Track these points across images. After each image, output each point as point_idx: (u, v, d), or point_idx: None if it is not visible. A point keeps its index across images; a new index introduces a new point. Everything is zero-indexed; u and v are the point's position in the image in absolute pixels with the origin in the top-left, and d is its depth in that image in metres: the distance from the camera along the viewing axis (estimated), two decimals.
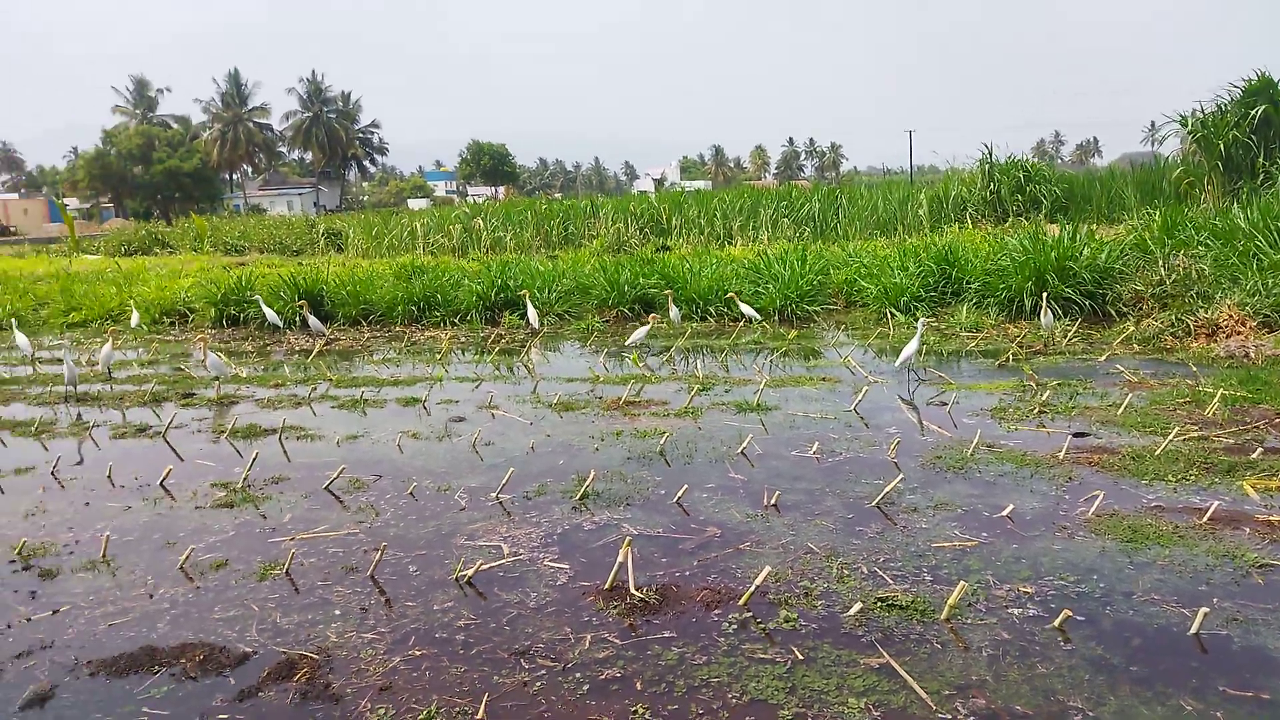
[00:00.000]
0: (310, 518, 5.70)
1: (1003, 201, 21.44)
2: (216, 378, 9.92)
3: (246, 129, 76.69)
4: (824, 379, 9.16)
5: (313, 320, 13.19)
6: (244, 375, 10.71)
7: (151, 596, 4.64)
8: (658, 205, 26.01)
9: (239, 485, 6.34)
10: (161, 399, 9.56)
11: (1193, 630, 3.79)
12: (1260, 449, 6.13)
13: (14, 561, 5.17)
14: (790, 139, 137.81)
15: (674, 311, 12.64)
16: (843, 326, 12.70)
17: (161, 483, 6.50)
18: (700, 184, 79.01)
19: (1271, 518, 4.98)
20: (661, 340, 12.20)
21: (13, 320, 13.39)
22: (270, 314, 13.90)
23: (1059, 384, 8.39)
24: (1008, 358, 9.74)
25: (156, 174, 69.25)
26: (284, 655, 3.95)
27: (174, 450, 7.51)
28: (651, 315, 11.96)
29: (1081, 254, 11.75)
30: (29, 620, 4.42)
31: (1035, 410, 7.52)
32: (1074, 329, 10.85)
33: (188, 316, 15.71)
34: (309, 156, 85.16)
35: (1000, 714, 3.31)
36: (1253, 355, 9.01)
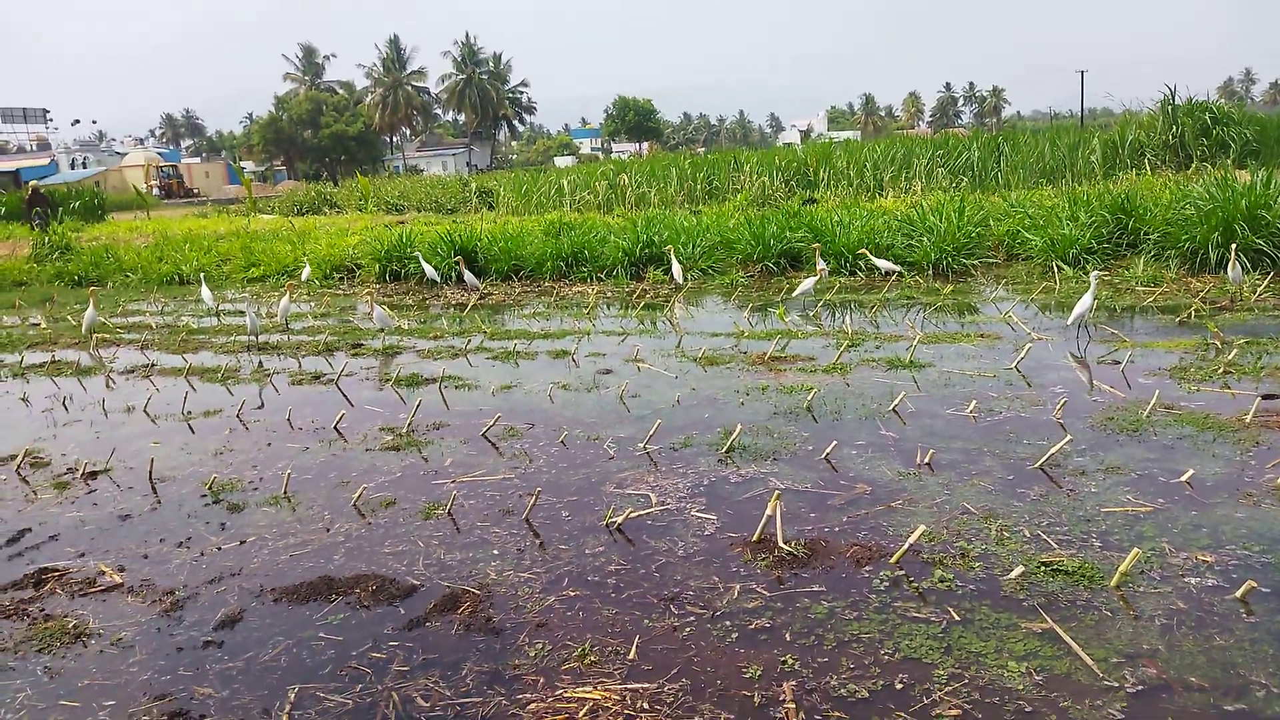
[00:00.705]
0: (469, 462, 5.97)
1: (1186, 146, 19.77)
2: (381, 330, 10.47)
3: (405, 93, 79.84)
4: (982, 335, 8.77)
5: (468, 275, 13.68)
6: (406, 328, 11.25)
7: (328, 530, 4.99)
8: (804, 157, 25.40)
9: (404, 430, 6.71)
10: (333, 349, 10.19)
11: None
12: None
13: (205, 496, 5.66)
14: (947, 84, 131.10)
15: (821, 265, 12.35)
16: (1003, 281, 12.09)
17: (335, 426, 6.95)
18: (849, 134, 76.48)
19: None
20: (807, 295, 11.97)
21: (200, 276, 14.54)
22: (429, 269, 14.52)
23: (1246, 342, 7.72)
24: (1190, 314, 9.03)
25: (324, 138, 73.19)
26: (448, 589, 4.18)
27: (345, 396, 8.00)
28: (820, 268, 11.82)
29: (1275, 202, 10.68)
30: (219, 550, 4.85)
31: (1220, 370, 6.95)
32: (1265, 283, 9.92)
33: (354, 272, 16.60)
34: (462, 118, 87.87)
35: (1173, 685, 3.13)
36: None
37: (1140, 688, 3.13)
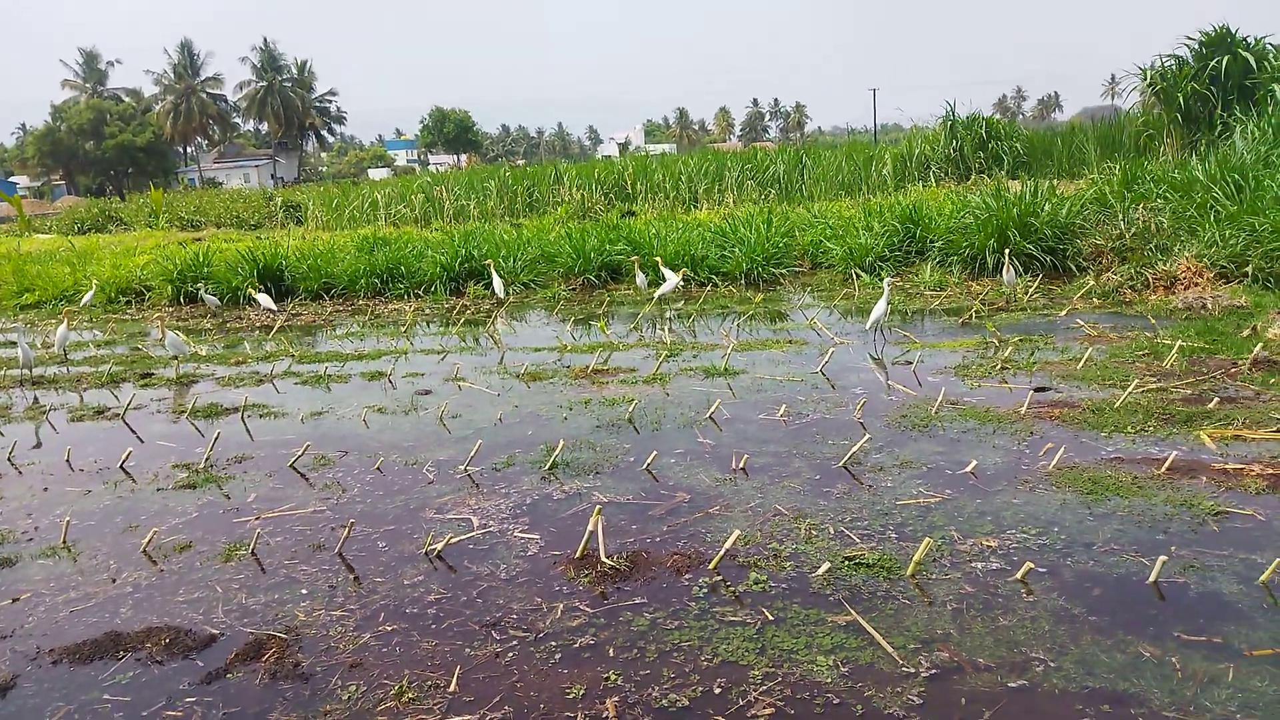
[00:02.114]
0: (275, 496, 5.64)
1: (965, 159, 21.52)
2: (175, 356, 9.74)
3: (200, 100, 75.07)
4: (791, 341, 9.18)
5: (262, 298, 12.95)
6: (203, 353, 10.53)
7: (114, 581, 4.58)
8: (622, 170, 25.81)
9: (201, 466, 6.26)
10: (119, 380, 9.39)
11: (1151, 579, 3.87)
12: (1216, 399, 6.25)
13: None
14: (754, 100, 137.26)
15: (640, 278, 12.58)
16: (809, 288, 12.73)
17: (122, 465, 6.40)
18: (665, 147, 78.43)
19: (1227, 466, 5.09)
20: (627, 307, 12.17)
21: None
22: (211, 300, 13.64)
23: (1021, 340, 8.49)
24: (971, 315, 9.82)
25: (108, 149, 67.55)
26: (252, 636, 3.92)
27: (134, 432, 7.39)
28: (682, 270, 12.31)
29: (1043, 210, 11.83)
30: None
31: (998, 367, 7.60)
32: (1035, 285, 10.96)
33: (144, 295, 15.40)
34: (264, 127, 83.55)
35: (965, 666, 3.37)
36: (1210, 306, 9.16)
37: (935, 671, 3.35)
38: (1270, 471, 4.96)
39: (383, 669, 3.61)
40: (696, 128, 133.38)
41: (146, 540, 4.94)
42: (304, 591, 4.32)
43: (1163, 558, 3.93)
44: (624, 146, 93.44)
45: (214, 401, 8.08)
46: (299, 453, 6.25)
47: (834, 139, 64.86)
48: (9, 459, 6.75)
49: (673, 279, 11.75)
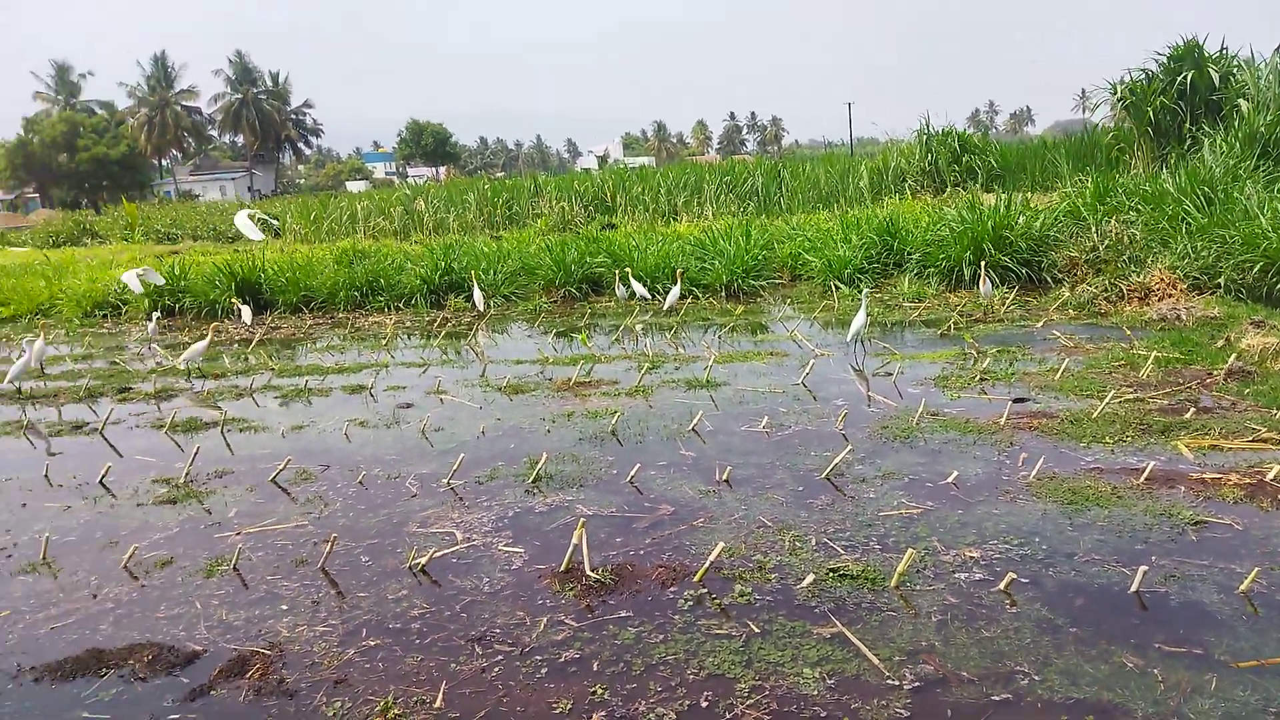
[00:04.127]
0: (257, 511, 5.60)
1: (940, 172, 21.75)
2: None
3: (174, 112, 74.58)
4: (772, 353, 9.23)
5: (245, 310, 12.91)
6: (182, 368, 10.44)
7: (95, 597, 4.52)
8: (602, 183, 25.88)
9: (181, 480, 6.20)
10: (97, 394, 9.29)
11: (1133, 588, 3.92)
12: (1193, 409, 6.34)
13: None
14: (731, 113, 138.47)
15: (621, 290, 12.62)
16: (789, 300, 12.80)
17: (101, 480, 6.33)
18: (643, 160, 78.66)
19: (1205, 476, 5.16)
20: (609, 319, 12.19)
21: None
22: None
23: (999, 351, 8.58)
24: (949, 327, 9.92)
25: (83, 162, 66.92)
26: (235, 652, 3.88)
27: (112, 447, 7.31)
28: (680, 271, 12.57)
29: (1017, 222, 11.98)
30: None
31: (976, 378, 7.68)
32: (1012, 296, 11.08)
33: (120, 308, 15.25)
34: (240, 140, 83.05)
35: (949, 678, 3.40)
36: (1184, 317, 9.30)
37: (920, 684, 3.38)
38: (1247, 481, 5.04)
39: (367, 685, 3.59)
40: (674, 141, 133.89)
41: (127, 556, 4.88)
42: (286, 607, 4.29)
43: (1143, 568, 3.98)
44: (603, 159, 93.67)
45: (193, 416, 8.01)
46: (280, 467, 6.20)
47: (811, 152, 65.29)
48: None
49: (675, 290, 11.96)
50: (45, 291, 16.25)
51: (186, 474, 6.28)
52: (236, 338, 12.49)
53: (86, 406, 8.81)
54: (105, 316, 15.05)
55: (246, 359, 10.81)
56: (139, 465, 6.72)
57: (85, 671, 3.81)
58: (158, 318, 12.42)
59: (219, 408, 8.26)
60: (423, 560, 4.63)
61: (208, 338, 10.08)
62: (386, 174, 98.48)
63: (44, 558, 5.02)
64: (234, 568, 4.74)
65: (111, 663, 3.86)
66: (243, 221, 9.20)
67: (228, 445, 7.12)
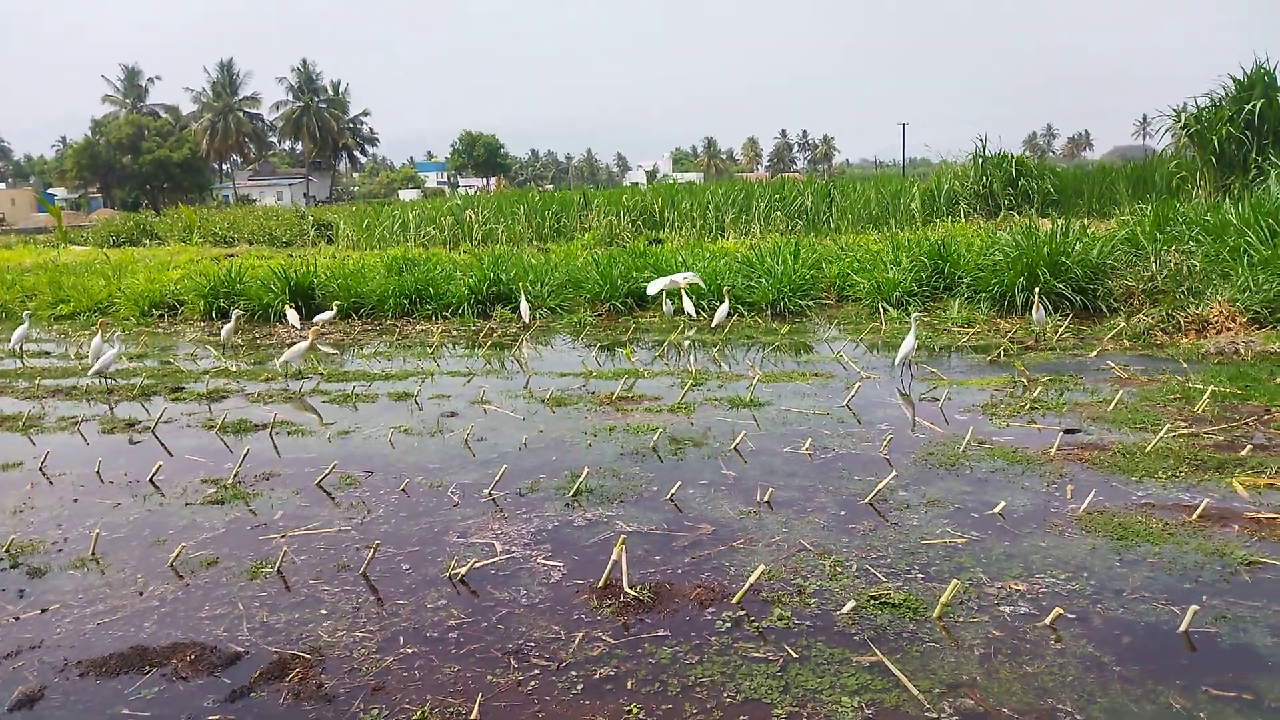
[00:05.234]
0: (301, 514, 5.68)
1: (995, 195, 21.50)
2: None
3: (237, 118, 76.45)
4: (817, 374, 9.16)
5: (290, 313, 13.17)
6: (234, 369, 10.65)
7: (141, 595, 4.62)
8: (650, 198, 25.96)
9: (229, 481, 6.32)
10: (151, 393, 9.51)
11: (1182, 628, 3.81)
12: (1249, 446, 6.16)
13: (2, 559, 5.13)
14: (783, 131, 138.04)
15: (668, 306, 12.64)
16: (835, 321, 12.70)
17: (151, 479, 6.47)
18: (692, 176, 78.85)
19: (1260, 515, 5.01)
20: (654, 335, 12.20)
21: (25, 314, 13.09)
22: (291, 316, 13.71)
23: (1050, 380, 8.42)
24: (999, 353, 9.76)
25: (145, 164, 68.91)
26: (276, 655, 3.94)
27: (163, 446, 7.48)
28: (727, 289, 12.62)
29: (1073, 249, 11.77)
30: (16, 620, 4.40)
31: (1026, 406, 7.54)
32: (1065, 324, 10.88)
33: (176, 309, 15.62)
34: (299, 147, 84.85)
35: (991, 714, 3.33)
36: (1242, 351, 9.05)
37: (958, 718, 3.31)
38: None
39: (405, 693, 3.61)
40: (724, 157, 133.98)
41: (174, 555, 4.98)
42: (327, 612, 4.34)
43: (1194, 607, 3.87)
44: (651, 174, 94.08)
45: (243, 418, 8.16)
46: (326, 472, 6.29)
47: (862, 172, 64.92)
48: (40, 469, 6.84)
49: (723, 307, 11.95)
50: (104, 290, 16.71)
51: (235, 475, 6.40)
52: (288, 341, 12.72)
53: (140, 405, 9.03)
54: (161, 316, 15.42)
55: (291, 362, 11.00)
56: (189, 465, 6.87)
57: (129, 668, 3.88)
58: (238, 316, 12.58)
59: (310, 409, 8.41)
60: (462, 570, 4.66)
61: (309, 339, 10.22)
62: (439, 183, 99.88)
63: (93, 553, 5.14)
64: (278, 570, 4.81)
65: (155, 661, 3.93)
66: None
67: (275, 448, 7.25)
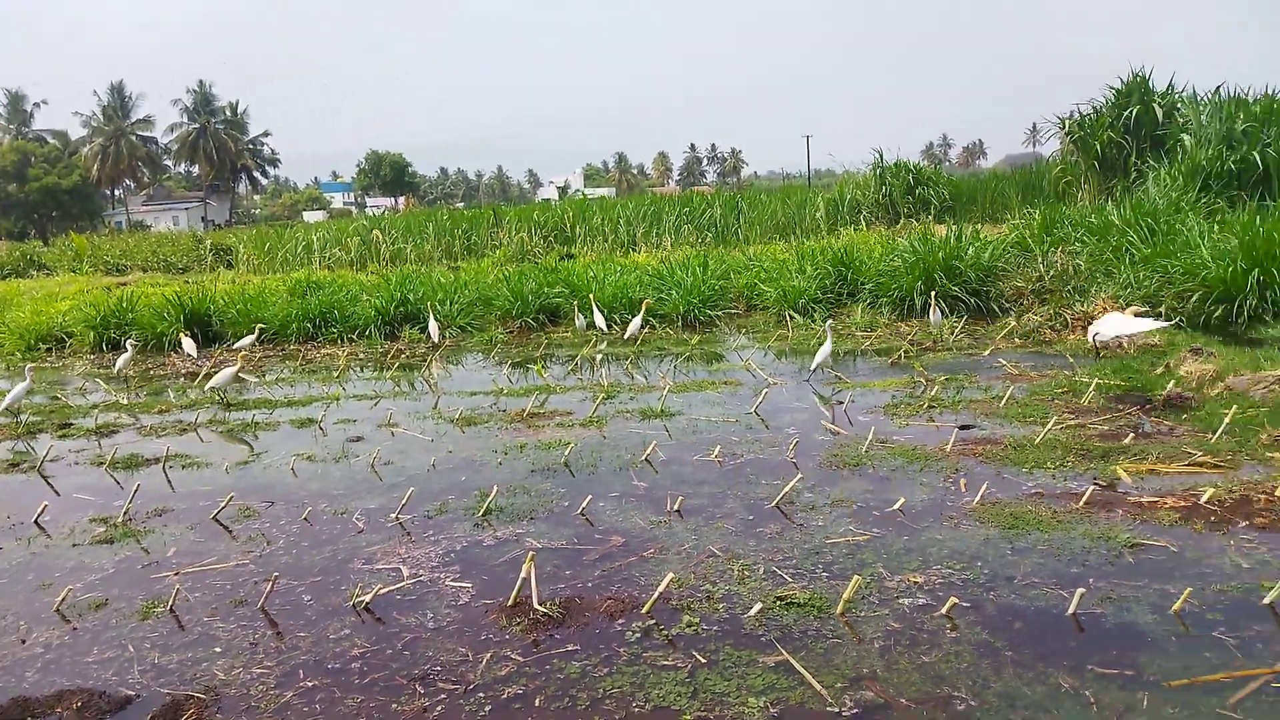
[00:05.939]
0: (196, 550, 5.47)
1: (894, 204, 22.13)
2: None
3: (129, 142, 73.53)
4: (726, 382, 9.28)
5: (186, 342, 12.75)
6: (125, 402, 10.22)
7: (24, 642, 4.38)
8: (561, 213, 25.94)
9: (119, 520, 6.04)
10: (36, 430, 9.05)
11: (1070, 611, 3.98)
12: (1132, 434, 6.48)
13: None
14: (692, 145, 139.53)
15: (580, 320, 12.66)
16: (744, 330, 12.90)
17: (36, 520, 6.15)
18: (604, 191, 79.13)
19: (1143, 499, 5.27)
20: (567, 350, 12.18)
21: None
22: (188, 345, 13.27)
23: (947, 379, 8.71)
24: (900, 355, 10.05)
25: (32, 192, 65.64)
26: (169, 696, 3.78)
27: (50, 485, 7.12)
28: (645, 301, 12.72)
29: (967, 253, 12.22)
30: None
31: (925, 406, 7.78)
32: (960, 326, 11.27)
33: (64, 342, 14.92)
34: (196, 169, 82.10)
35: (891, 704, 3.41)
36: (1125, 346, 9.52)
37: (859, 710, 3.38)
38: (1183, 504, 5.15)
39: None
40: (635, 172, 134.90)
41: (60, 598, 4.74)
42: (223, 649, 4.18)
43: (1081, 590, 4.04)
44: (563, 190, 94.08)
45: (135, 452, 7.83)
46: (223, 504, 6.08)
47: (769, 183, 66.11)
48: None
49: (636, 320, 12.09)
50: None
51: (125, 512, 6.13)
52: (183, 370, 12.27)
53: (25, 443, 8.58)
54: (49, 350, 14.71)
55: (186, 393, 10.61)
56: (76, 504, 6.55)
57: None
58: (134, 346, 12.12)
59: (206, 440, 8.09)
60: (366, 598, 4.56)
61: (237, 363, 10.02)
62: (345, 204, 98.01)
63: None
64: (170, 609, 4.62)
65: (37, 711, 3.74)
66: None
67: (169, 482, 6.97)
